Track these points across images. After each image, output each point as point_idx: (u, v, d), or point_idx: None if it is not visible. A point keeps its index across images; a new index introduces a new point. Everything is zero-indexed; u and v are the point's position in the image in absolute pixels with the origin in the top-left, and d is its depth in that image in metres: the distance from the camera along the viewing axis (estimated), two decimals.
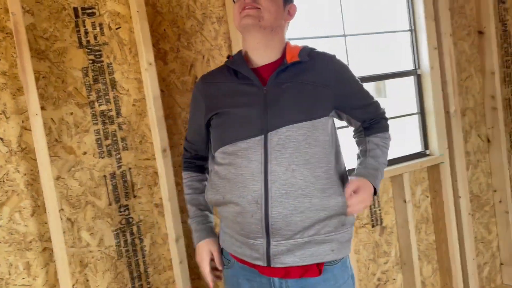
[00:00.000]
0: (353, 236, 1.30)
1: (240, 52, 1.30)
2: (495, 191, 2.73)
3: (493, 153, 2.69)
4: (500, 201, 2.72)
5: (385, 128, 1.38)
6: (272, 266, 1.19)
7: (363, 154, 1.35)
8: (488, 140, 2.70)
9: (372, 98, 1.37)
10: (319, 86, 1.23)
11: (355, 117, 1.35)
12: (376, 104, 1.38)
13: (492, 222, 2.75)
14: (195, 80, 1.79)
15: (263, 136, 1.18)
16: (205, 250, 1.32)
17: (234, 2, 1.26)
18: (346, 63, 1.36)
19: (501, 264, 2.79)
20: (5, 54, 1.46)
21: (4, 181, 1.46)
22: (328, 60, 1.28)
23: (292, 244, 1.17)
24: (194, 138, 1.40)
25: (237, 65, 1.25)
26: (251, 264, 1.24)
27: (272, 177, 1.16)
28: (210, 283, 1.32)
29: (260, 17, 1.19)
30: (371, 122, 1.35)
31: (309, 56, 1.24)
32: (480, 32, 2.60)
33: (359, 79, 1.34)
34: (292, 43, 1.30)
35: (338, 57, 1.30)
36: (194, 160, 1.43)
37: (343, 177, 1.27)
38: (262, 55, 1.25)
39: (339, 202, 1.20)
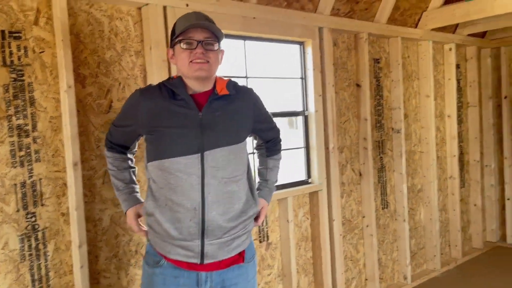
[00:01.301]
0: None
1: (180, 77, 1.51)
2: (363, 217, 3.27)
3: (363, 185, 3.24)
4: (367, 226, 3.25)
5: (279, 150, 1.83)
6: (204, 262, 1.47)
7: (263, 173, 1.78)
8: (360, 174, 3.24)
9: (274, 123, 1.79)
10: (243, 115, 1.58)
11: (261, 137, 1.76)
12: (277, 128, 1.81)
13: (360, 243, 3.27)
14: (110, 104, 2.01)
15: (200, 154, 1.45)
16: (133, 215, 1.63)
17: (179, 47, 1.45)
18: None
19: (366, 279, 3.31)
20: None
21: None
22: (249, 93, 1.63)
23: (222, 242, 1.49)
24: (119, 138, 1.64)
25: (177, 88, 1.48)
26: (183, 263, 1.48)
27: (207, 188, 1.45)
28: (144, 234, 1.64)
29: (210, 70, 1.47)
30: (271, 144, 1.78)
31: (234, 89, 1.56)
32: (358, 85, 3.17)
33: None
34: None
35: (254, 90, 1.66)
36: (117, 147, 1.66)
37: (252, 182, 1.63)
38: (199, 88, 1.52)
39: (254, 208, 1.59)
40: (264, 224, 2.69)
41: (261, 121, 1.68)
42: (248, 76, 2.59)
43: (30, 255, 1.81)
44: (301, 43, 2.82)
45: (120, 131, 1.63)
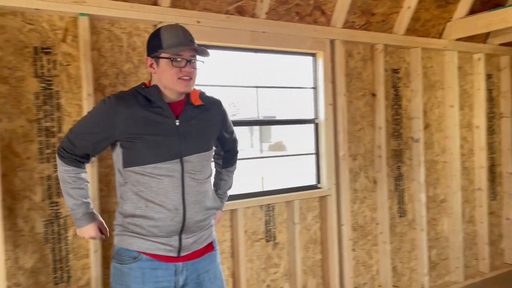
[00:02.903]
0: None
1: (156, 86, 1.61)
2: (377, 224, 3.32)
3: (378, 192, 3.29)
4: (381, 233, 3.30)
5: (235, 162, 2.01)
6: (181, 255, 1.66)
7: (217, 184, 1.96)
8: (374, 182, 3.30)
9: (235, 134, 1.95)
10: (213, 124, 1.77)
11: (222, 146, 1.93)
12: (236, 139, 1.97)
13: (373, 249, 3.32)
14: None
15: (179, 159, 1.64)
16: (96, 229, 1.73)
17: (167, 62, 1.56)
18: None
19: (379, 286, 3.35)
20: None
21: None
22: (218, 104, 1.80)
23: (197, 236, 1.69)
24: (84, 145, 1.62)
25: (154, 97, 1.59)
26: (161, 257, 1.65)
27: (187, 189, 1.64)
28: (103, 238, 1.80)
29: (192, 86, 1.65)
30: (229, 154, 1.97)
31: (206, 100, 1.74)
32: (373, 94, 3.24)
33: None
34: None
35: (222, 101, 1.83)
36: (77, 157, 1.64)
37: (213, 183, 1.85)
38: (175, 98, 1.68)
39: (216, 203, 1.80)
40: (272, 225, 2.85)
41: (225, 131, 1.86)
42: (258, 86, 2.77)
43: (53, 238, 2.11)
44: (313, 55, 2.96)
45: (86, 140, 1.62)
